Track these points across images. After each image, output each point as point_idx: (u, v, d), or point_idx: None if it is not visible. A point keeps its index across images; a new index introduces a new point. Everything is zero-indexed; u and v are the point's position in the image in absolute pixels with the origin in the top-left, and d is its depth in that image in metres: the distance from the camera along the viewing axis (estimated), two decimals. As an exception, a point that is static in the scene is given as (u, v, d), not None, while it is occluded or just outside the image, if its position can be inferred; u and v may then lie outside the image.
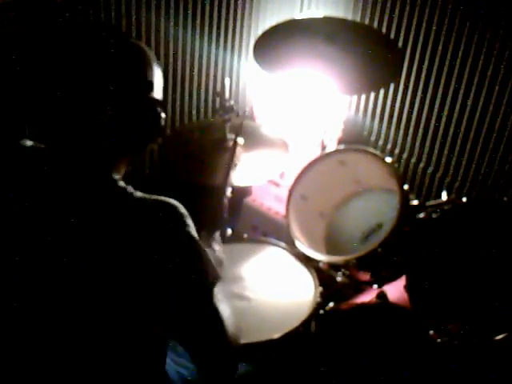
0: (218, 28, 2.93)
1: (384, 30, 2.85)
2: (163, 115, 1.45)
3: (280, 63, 2.38)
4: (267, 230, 2.74)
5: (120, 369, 1.42)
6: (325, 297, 2.08)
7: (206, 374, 1.49)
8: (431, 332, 2.04)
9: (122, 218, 1.35)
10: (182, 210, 1.39)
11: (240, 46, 3.05)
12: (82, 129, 1.38)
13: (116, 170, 1.42)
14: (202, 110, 3.07)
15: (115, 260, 1.33)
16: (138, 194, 1.39)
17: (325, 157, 2.38)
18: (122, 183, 1.40)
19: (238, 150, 2.25)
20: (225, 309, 1.44)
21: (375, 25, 2.87)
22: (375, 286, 2.23)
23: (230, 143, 2.29)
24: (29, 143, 1.45)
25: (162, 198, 1.39)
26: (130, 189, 1.39)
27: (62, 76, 1.36)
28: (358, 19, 2.91)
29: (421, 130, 2.92)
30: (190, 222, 1.38)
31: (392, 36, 2.82)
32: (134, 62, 1.40)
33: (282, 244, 2.30)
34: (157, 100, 1.43)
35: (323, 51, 2.34)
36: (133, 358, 1.43)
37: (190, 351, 1.47)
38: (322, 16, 2.57)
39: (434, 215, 2.15)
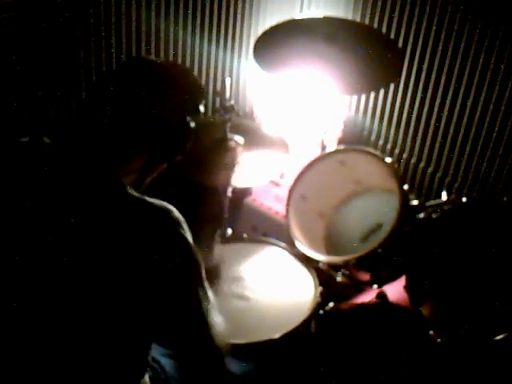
0: (218, 28, 2.93)
1: (384, 29, 2.85)
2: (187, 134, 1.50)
3: (280, 63, 2.38)
4: (267, 230, 2.74)
5: (112, 365, 1.43)
6: (325, 297, 2.08)
7: (192, 374, 1.51)
8: (431, 332, 2.04)
9: (120, 220, 1.36)
10: (177, 214, 1.41)
11: (240, 46, 3.05)
12: (96, 127, 1.42)
13: (123, 173, 1.43)
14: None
15: (112, 260, 1.34)
16: (137, 196, 1.40)
17: (325, 157, 2.38)
18: (123, 185, 1.40)
19: (238, 149, 2.25)
20: (215, 312, 1.46)
21: (375, 25, 2.87)
22: (375, 286, 2.23)
23: (230, 143, 2.30)
24: (26, 140, 1.45)
25: (159, 201, 1.40)
26: (131, 190, 1.40)
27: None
28: (358, 19, 2.90)
29: (421, 130, 2.92)
30: (184, 226, 1.41)
31: (392, 36, 2.82)
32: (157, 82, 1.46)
33: (282, 244, 2.29)
34: (183, 121, 1.48)
35: (323, 51, 2.34)
36: (125, 355, 1.44)
37: (177, 353, 1.50)
38: (322, 16, 2.57)
39: (433, 215, 2.15)
